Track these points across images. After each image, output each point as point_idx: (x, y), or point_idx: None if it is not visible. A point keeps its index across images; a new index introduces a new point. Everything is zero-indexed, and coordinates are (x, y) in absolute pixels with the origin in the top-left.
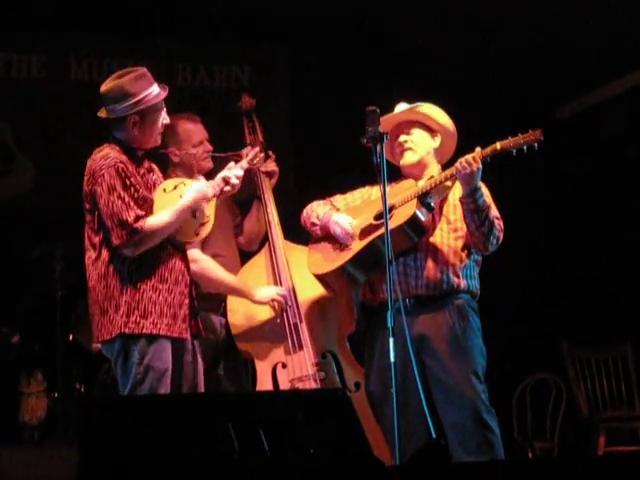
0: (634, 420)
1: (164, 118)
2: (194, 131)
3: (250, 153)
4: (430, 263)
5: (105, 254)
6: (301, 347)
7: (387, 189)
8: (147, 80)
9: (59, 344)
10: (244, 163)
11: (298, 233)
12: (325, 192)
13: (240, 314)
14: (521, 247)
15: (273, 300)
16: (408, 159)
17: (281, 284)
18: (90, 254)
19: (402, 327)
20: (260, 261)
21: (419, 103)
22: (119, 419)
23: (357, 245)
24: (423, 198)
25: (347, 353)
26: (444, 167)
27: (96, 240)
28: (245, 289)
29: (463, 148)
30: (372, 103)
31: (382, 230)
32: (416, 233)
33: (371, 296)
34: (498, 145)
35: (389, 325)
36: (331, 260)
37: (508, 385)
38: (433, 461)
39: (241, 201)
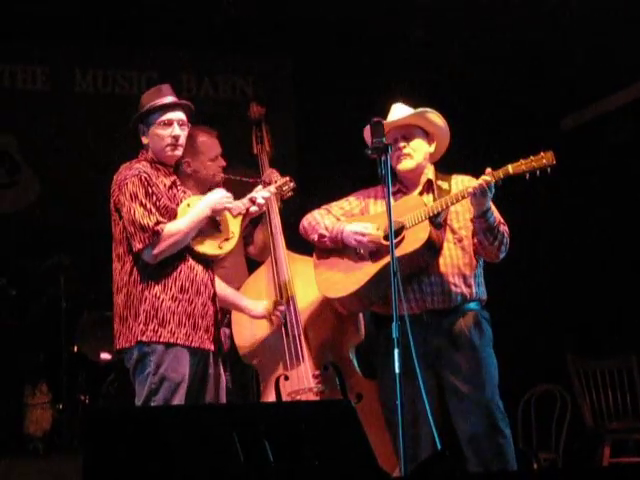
0: (639, 431)
1: (172, 129)
2: (211, 145)
3: (280, 180)
4: (442, 277)
5: (128, 264)
6: (300, 360)
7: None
8: (160, 92)
9: (64, 355)
10: (272, 188)
11: (302, 244)
12: (329, 200)
13: (244, 327)
14: (525, 258)
15: (270, 315)
16: (406, 165)
17: (281, 297)
18: (115, 265)
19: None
20: (263, 272)
21: (425, 109)
22: (123, 430)
23: (371, 269)
24: (434, 219)
25: (350, 364)
26: (435, 165)
27: (120, 251)
28: (242, 304)
29: (468, 160)
30: (376, 113)
31: (396, 253)
32: (431, 254)
33: (384, 308)
34: (510, 169)
35: (394, 336)
36: (344, 283)
37: (513, 396)
38: (438, 472)
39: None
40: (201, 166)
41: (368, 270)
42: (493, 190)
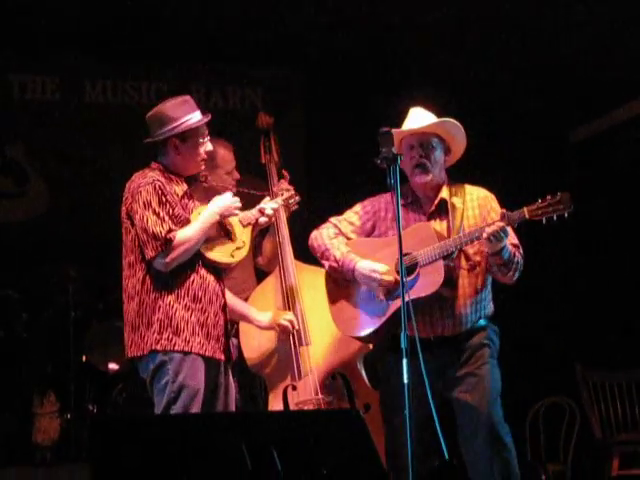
0: None
1: (206, 145)
2: (228, 159)
3: (287, 193)
4: (454, 308)
5: (140, 272)
6: (307, 370)
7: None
8: (189, 106)
9: (72, 365)
10: (280, 200)
11: (310, 254)
12: (338, 213)
13: (251, 337)
14: (535, 270)
15: (278, 325)
16: (422, 179)
17: (289, 307)
18: (126, 273)
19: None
20: (271, 282)
21: (448, 119)
22: (131, 439)
23: (388, 308)
24: (448, 256)
25: (358, 374)
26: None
27: (131, 258)
28: (250, 315)
29: (478, 175)
30: (386, 124)
31: (411, 295)
32: (447, 288)
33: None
34: (526, 214)
35: (402, 347)
36: (362, 320)
37: (521, 408)
38: None
39: None
40: (218, 179)
41: (384, 309)
42: (508, 233)
